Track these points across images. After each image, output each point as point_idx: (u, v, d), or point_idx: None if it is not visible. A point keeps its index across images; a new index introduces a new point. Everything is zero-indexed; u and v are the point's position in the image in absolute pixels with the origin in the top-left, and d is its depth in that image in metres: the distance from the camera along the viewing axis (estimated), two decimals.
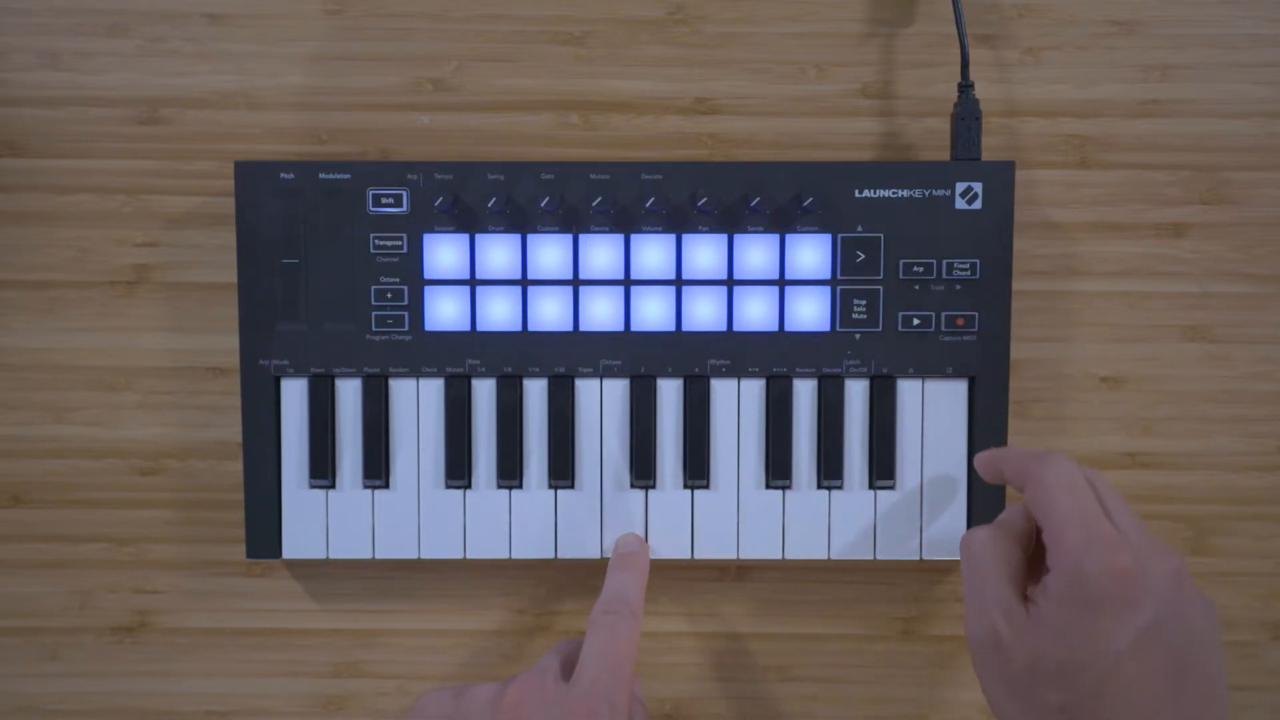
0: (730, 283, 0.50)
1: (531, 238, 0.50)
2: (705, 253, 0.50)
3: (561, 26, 0.53)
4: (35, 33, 0.52)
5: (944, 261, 0.50)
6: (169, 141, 0.52)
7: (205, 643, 0.54)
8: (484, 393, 0.51)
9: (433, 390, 0.51)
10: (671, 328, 0.50)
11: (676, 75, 0.53)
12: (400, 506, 0.51)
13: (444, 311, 0.50)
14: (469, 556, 0.51)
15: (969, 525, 0.51)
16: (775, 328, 0.50)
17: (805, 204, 0.49)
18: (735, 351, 0.50)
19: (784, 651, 0.54)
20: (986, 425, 0.50)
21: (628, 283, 0.50)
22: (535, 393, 0.51)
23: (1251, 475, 0.54)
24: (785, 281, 0.50)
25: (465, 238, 0.50)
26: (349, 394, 0.51)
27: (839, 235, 0.50)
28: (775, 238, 0.50)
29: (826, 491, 0.51)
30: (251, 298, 0.50)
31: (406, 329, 0.50)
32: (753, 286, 0.50)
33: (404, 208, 0.50)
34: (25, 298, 0.53)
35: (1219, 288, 0.53)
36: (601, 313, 0.50)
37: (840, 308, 0.50)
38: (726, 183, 0.50)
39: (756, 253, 0.50)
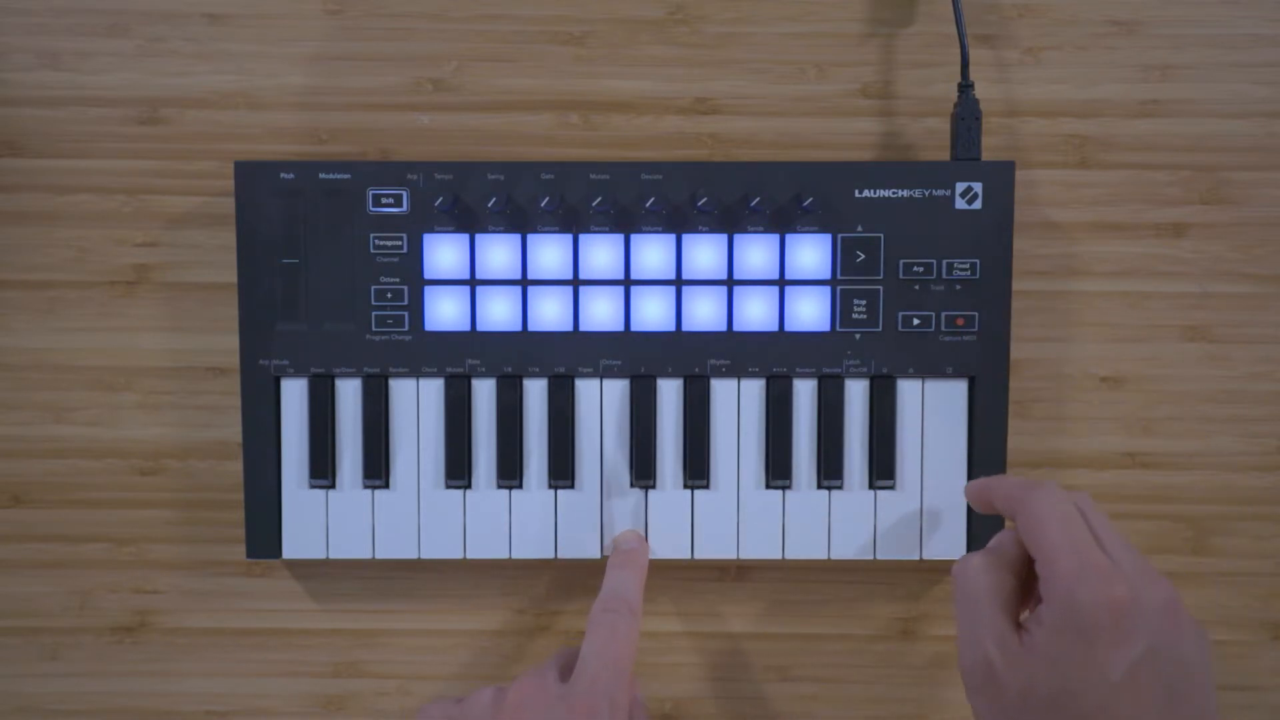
0: (730, 283, 0.50)
1: (531, 238, 0.50)
2: (705, 253, 0.50)
3: (561, 26, 0.53)
4: (35, 33, 0.52)
5: (944, 261, 0.50)
6: (169, 141, 0.52)
7: (205, 643, 0.54)
8: (484, 393, 0.51)
9: (433, 390, 0.51)
10: (671, 328, 0.50)
11: (676, 75, 0.53)
12: (400, 506, 0.51)
13: (444, 311, 0.50)
14: (469, 556, 0.51)
15: (969, 525, 0.51)
16: (775, 328, 0.50)
17: (805, 204, 0.49)
18: (735, 351, 0.50)
19: (784, 651, 0.54)
20: (986, 425, 0.50)
21: (628, 283, 0.50)
22: (535, 393, 0.51)
23: (1251, 475, 0.54)
24: (785, 281, 0.50)
25: (465, 238, 0.50)
26: (349, 394, 0.51)
27: (839, 235, 0.50)
28: (775, 238, 0.50)
29: (826, 491, 0.51)
30: (251, 298, 0.50)
31: (406, 329, 0.50)
32: (753, 286, 0.50)
33: (404, 208, 0.50)
34: (25, 298, 0.53)
35: (1219, 288, 0.53)
36: (601, 313, 0.50)
37: (840, 308, 0.50)
38: (726, 183, 0.50)
39: (756, 253, 0.50)
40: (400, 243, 0.50)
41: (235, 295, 0.51)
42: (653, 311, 0.50)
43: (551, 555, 0.51)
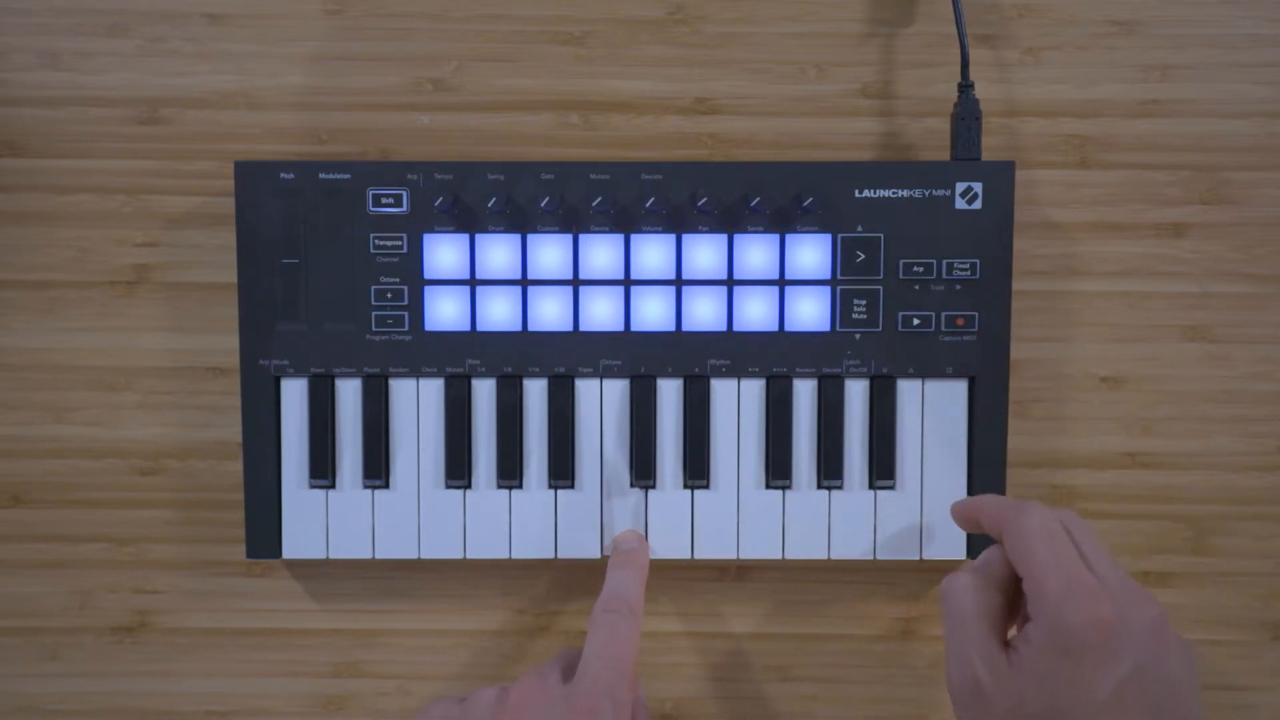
0: (730, 283, 0.50)
1: (531, 238, 0.50)
2: (705, 253, 0.50)
3: (561, 26, 0.53)
4: (35, 33, 0.52)
5: (944, 261, 0.50)
6: (169, 141, 0.52)
7: (205, 643, 0.54)
8: (484, 393, 0.51)
9: (433, 390, 0.51)
10: (671, 328, 0.50)
11: (676, 75, 0.53)
12: (400, 506, 0.51)
13: (444, 311, 0.50)
14: (469, 556, 0.51)
15: None
16: (775, 328, 0.50)
17: (805, 204, 0.49)
18: (735, 351, 0.50)
19: (784, 651, 0.54)
20: (986, 425, 0.50)
21: (628, 283, 0.50)
22: (535, 393, 0.51)
23: (1251, 475, 0.54)
24: (785, 281, 0.50)
25: (465, 238, 0.50)
26: (349, 394, 0.51)
27: (839, 235, 0.50)
28: (775, 238, 0.50)
29: (826, 491, 0.51)
30: (251, 298, 0.50)
31: (406, 329, 0.50)
32: (753, 286, 0.50)
33: (404, 208, 0.50)
34: (25, 298, 0.53)
35: (1219, 288, 0.53)
36: (601, 313, 0.50)
37: (840, 308, 0.50)
38: (726, 183, 0.50)
39: (756, 253, 0.50)
40: (400, 243, 0.50)
41: (235, 295, 0.51)
42: (653, 311, 0.50)
43: (551, 555, 0.51)
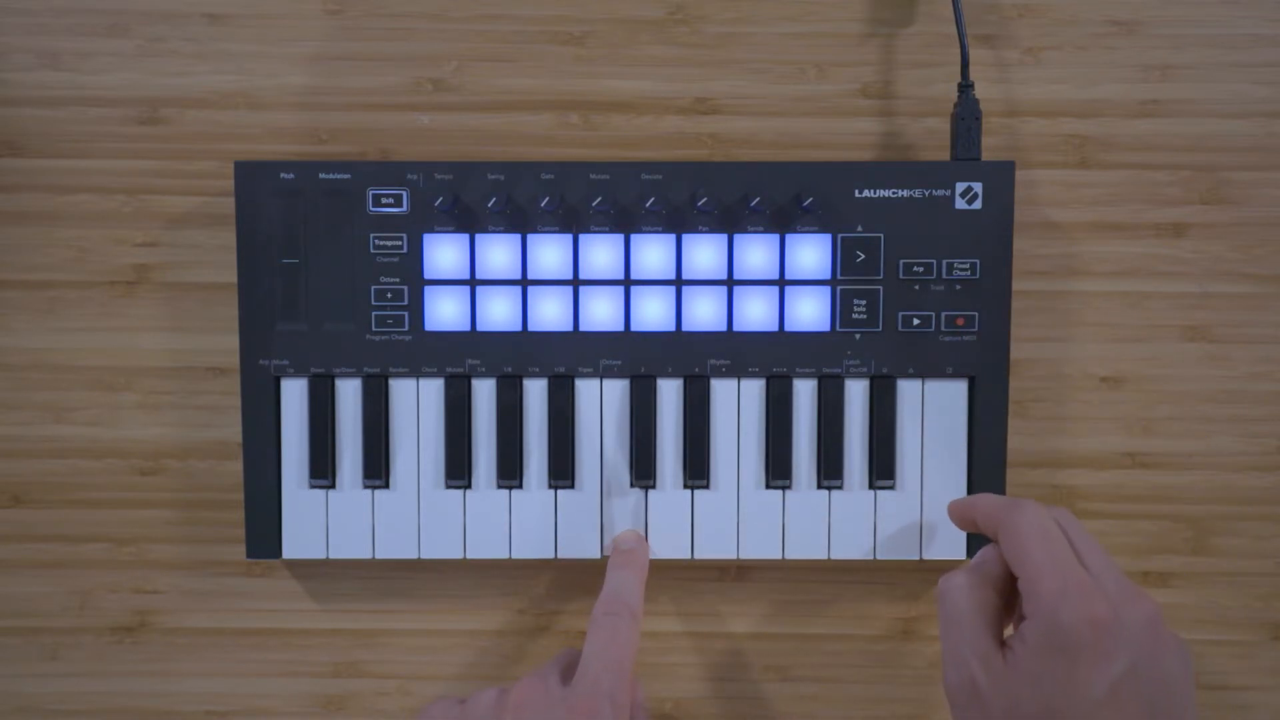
0: (730, 283, 0.50)
1: (531, 238, 0.50)
2: (705, 253, 0.50)
3: (561, 26, 0.53)
4: (35, 33, 0.52)
5: (944, 261, 0.50)
6: (169, 141, 0.52)
7: (205, 643, 0.54)
8: (484, 393, 0.51)
9: (433, 390, 0.51)
10: (671, 328, 0.50)
11: (676, 75, 0.53)
12: (400, 506, 0.51)
13: (444, 311, 0.50)
14: (469, 556, 0.51)
15: None
16: (775, 328, 0.50)
17: (805, 204, 0.49)
18: (735, 351, 0.50)
19: (784, 651, 0.54)
20: (986, 425, 0.50)
21: (628, 283, 0.50)
22: (535, 393, 0.51)
23: (1251, 475, 0.54)
24: (785, 281, 0.50)
25: (465, 238, 0.50)
26: (349, 394, 0.51)
27: (839, 235, 0.50)
28: (775, 238, 0.50)
29: (826, 491, 0.51)
30: (251, 298, 0.50)
31: (406, 329, 0.50)
32: (753, 286, 0.50)
33: (404, 208, 0.50)
34: (25, 298, 0.53)
35: (1219, 288, 0.53)
36: (601, 313, 0.50)
37: (840, 308, 0.50)
38: (726, 183, 0.50)
39: (756, 253, 0.50)
40: (400, 243, 0.50)
41: (235, 295, 0.51)
42: (653, 311, 0.50)
43: (551, 555, 0.51)
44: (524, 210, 0.50)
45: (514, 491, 0.51)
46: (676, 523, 0.51)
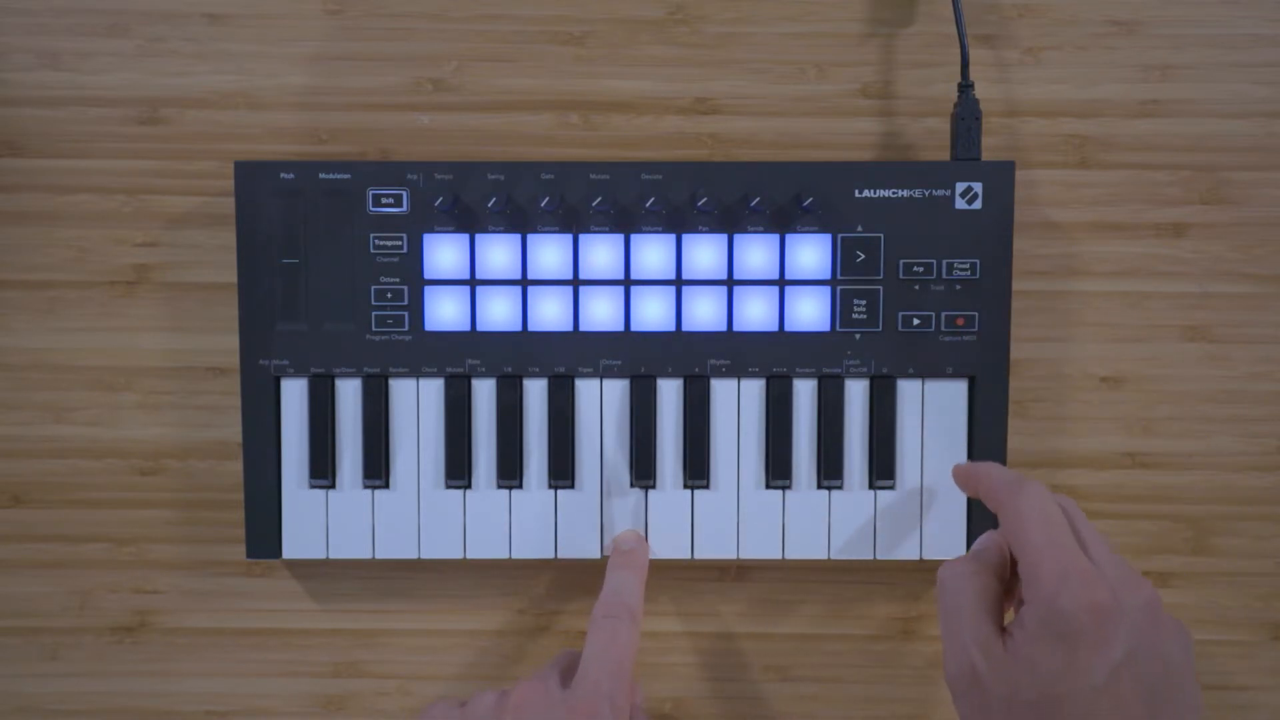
0: (730, 283, 0.50)
1: (531, 238, 0.50)
2: (705, 253, 0.50)
3: (561, 26, 0.53)
4: (35, 33, 0.52)
5: (944, 261, 0.50)
6: (169, 141, 0.52)
7: (205, 643, 0.54)
8: (484, 393, 0.51)
9: (433, 390, 0.51)
10: (671, 328, 0.50)
11: (676, 75, 0.53)
12: (400, 506, 0.51)
13: (444, 311, 0.50)
14: (469, 556, 0.51)
15: (968, 525, 0.51)
16: (775, 328, 0.50)
17: (805, 204, 0.49)
18: (735, 351, 0.50)
19: (784, 651, 0.54)
20: (986, 425, 0.50)
21: (628, 283, 0.50)
22: (535, 393, 0.51)
23: (1251, 475, 0.54)
24: (785, 281, 0.50)
25: (465, 238, 0.50)
26: (349, 394, 0.51)
27: (839, 235, 0.50)
28: (775, 238, 0.50)
29: (826, 491, 0.51)
30: (251, 298, 0.50)
31: (406, 329, 0.50)
32: (753, 286, 0.50)
33: (404, 208, 0.50)
34: (25, 298, 0.53)
35: (1219, 288, 0.53)
36: (601, 313, 0.50)
37: (840, 308, 0.50)
38: (726, 183, 0.50)
39: (756, 253, 0.50)
40: (400, 243, 0.50)
41: (235, 295, 0.51)
42: (653, 311, 0.50)
43: (551, 555, 0.51)
44: (524, 210, 0.50)
45: (514, 491, 0.51)
46: (676, 523, 0.51)
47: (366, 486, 0.51)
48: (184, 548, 0.54)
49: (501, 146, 0.53)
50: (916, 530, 0.51)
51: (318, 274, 0.50)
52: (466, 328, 0.50)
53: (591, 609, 0.45)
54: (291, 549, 0.51)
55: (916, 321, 0.50)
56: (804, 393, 0.51)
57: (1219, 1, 0.52)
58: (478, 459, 0.51)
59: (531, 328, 0.50)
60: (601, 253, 0.50)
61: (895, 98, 0.53)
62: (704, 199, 0.49)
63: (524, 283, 0.50)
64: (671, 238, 0.50)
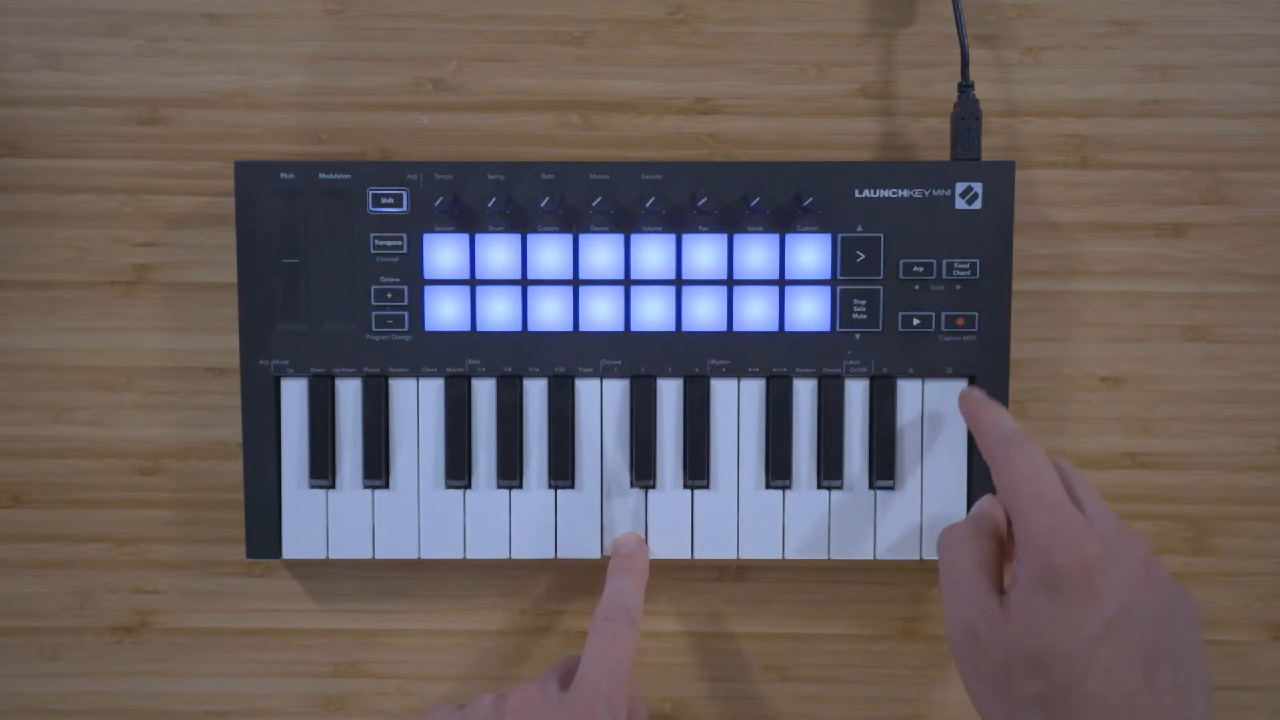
0: (730, 283, 0.50)
1: (531, 238, 0.50)
2: (705, 253, 0.50)
3: (561, 26, 0.53)
4: (35, 33, 0.52)
5: (944, 261, 0.50)
6: (169, 141, 0.52)
7: (205, 643, 0.54)
8: (484, 393, 0.51)
9: (433, 390, 0.51)
10: (671, 328, 0.50)
11: (676, 75, 0.53)
12: (400, 506, 0.51)
13: (444, 311, 0.50)
14: (469, 556, 0.51)
15: None
16: (775, 328, 0.50)
17: (805, 204, 0.49)
18: (735, 351, 0.50)
19: (784, 651, 0.54)
20: None
21: (628, 283, 0.50)
22: (535, 393, 0.51)
23: (1251, 475, 0.54)
24: (785, 281, 0.50)
25: (465, 238, 0.50)
26: (349, 394, 0.51)
27: (839, 235, 0.50)
28: (775, 238, 0.50)
29: (826, 491, 0.51)
30: (251, 298, 0.50)
31: (406, 329, 0.50)
32: (753, 286, 0.50)
33: (404, 208, 0.50)
34: (25, 298, 0.53)
35: (1219, 288, 0.53)
36: (601, 313, 0.50)
37: (840, 308, 0.50)
38: (726, 183, 0.50)
39: (756, 253, 0.50)
40: (400, 243, 0.50)
41: (235, 295, 0.51)
42: (653, 311, 0.50)
43: (551, 555, 0.51)
44: (524, 210, 0.50)
45: (514, 491, 0.51)
46: (676, 523, 0.51)
47: (366, 486, 0.51)
48: (184, 548, 0.54)
49: (501, 146, 0.53)
50: (916, 530, 0.51)
51: (318, 274, 0.50)
52: (466, 328, 0.50)
53: (592, 609, 0.45)
54: (291, 549, 0.51)
55: (916, 321, 0.50)
56: (804, 393, 0.51)
57: (1219, 1, 0.52)
58: (478, 459, 0.51)
59: (531, 328, 0.50)
60: (601, 253, 0.50)
61: (895, 98, 0.53)
62: (704, 199, 0.49)
63: (524, 283, 0.50)
64: (671, 238, 0.50)
